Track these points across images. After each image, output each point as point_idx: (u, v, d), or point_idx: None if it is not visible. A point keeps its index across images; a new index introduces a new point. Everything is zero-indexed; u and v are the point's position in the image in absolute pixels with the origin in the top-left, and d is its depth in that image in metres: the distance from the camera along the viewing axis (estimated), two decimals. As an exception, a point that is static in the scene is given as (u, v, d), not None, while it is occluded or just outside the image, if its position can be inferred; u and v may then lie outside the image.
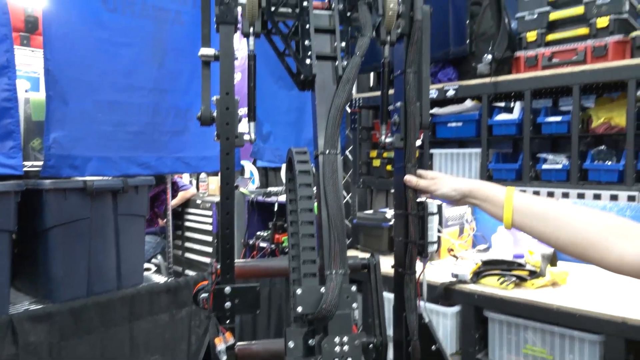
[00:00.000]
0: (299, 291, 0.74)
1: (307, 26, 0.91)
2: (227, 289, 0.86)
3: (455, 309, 2.07)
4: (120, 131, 2.03)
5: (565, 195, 2.06)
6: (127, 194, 2.05)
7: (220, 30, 0.88)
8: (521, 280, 1.99)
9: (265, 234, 3.23)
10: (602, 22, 1.96)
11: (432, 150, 2.55)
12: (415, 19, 0.97)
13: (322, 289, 0.75)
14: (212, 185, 4.32)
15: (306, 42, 0.90)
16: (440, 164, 2.53)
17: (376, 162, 2.86)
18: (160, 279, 2.31)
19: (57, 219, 1.81)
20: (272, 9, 0.92)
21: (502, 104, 2.55)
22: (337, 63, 0.91)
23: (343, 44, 0.93)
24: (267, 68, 2.61)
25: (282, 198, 3.15)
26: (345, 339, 0.74)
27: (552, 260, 2.08)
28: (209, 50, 0.90)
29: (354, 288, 0.76)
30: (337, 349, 0.73)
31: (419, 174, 1.00)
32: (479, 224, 2.79)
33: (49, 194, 1.78)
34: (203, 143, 2.32)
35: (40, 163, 1.85)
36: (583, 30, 2.03)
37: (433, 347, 0.94)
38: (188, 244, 3.85)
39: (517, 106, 2.24)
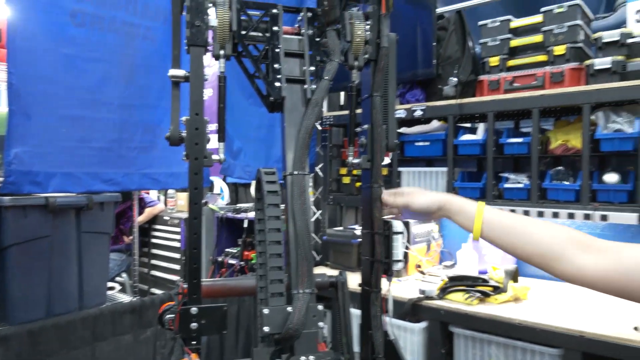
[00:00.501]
0: (265, 311, 0.74)
1: (277, 50, 0.93)
2: (194, 310, 0.86)
3: (422, 324, 2.10)
4: (85, 147, 1.98)
5: (526, 213, 2.14)
6: (91, 210, 2.01)
7: (190, 52, 0.89)
8: (485, 295, 2.05)
9: (235, 250, 3.21)
10: (559, 50, 2.07)
11: (401, 169, 2.60)
12: (381, 46, 1.01)
13: (289, 309, 0.75)
14: (181, 201, 4.26)
15: (276, 66, 0.92)
16: (408, 181, 2.59)
17: (346, 179, 2.90)
18: (125, 298, 2.25)
19: (16, 237, 1.75)
20: (243, 32, 0.94)
21: (468, 125, 2.64)
22: (306, 86, 0.93)
23: (312, 68, 0.95)
24: (238, 84, 2.61)
25: (252, 214, 3.13)
26: (311, 358, 0.75)
27: (514, 275, 2.15)
28: (179, 72, 0.90)
29: (320, 307, 0.77)
30: (304, 368, 0.74)
31: (394, 192, 1.03)
32: (446, 240, 2.85)
33: (8, 211, 1.72)
34: (172, 159, 2.30)
35: (0, 179, 1.79)
36: (542, 57, 2.14)
37: (399, 365, 0.96)
38: (155, 261, 3.77)
39: (481, 127, 2.33)
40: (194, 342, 0.85)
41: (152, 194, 4.39)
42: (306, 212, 0.81)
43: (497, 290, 2.07)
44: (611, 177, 1.94)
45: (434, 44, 2.38)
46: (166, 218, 3.64)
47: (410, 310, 2.09)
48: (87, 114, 2.00)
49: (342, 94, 3.16)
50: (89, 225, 2.02)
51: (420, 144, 2.52)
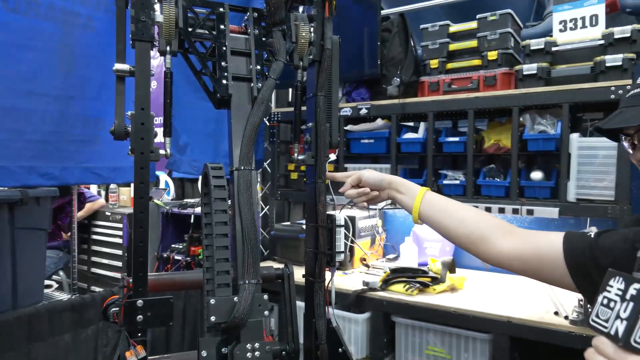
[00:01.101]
0: (212, 301, 0.77)
1: (224, 48, 0.95)
2: (140, 302, 0.86)
3: (366, 315, 2.18)
4: (19, 139, 1.89)
5: (462, 208, 2.27)
6: (26, 206, 1.92)
7: (136, 47, 0.89)
8: (424, 286, 2.16)
9: (181, 246, 3.16)
10: (492, 55, 2.22)
11: (347, 165, 2.68)
12: (325, 48, 1.05)
13: (236, 299, 0.79)
14: (123, 196, 4.13)
15: (223, 63, 0.94)
16: (353, 178, 2.66)
17: (294, 175, 2.94)
18: (63, 296, 2.17)
19: (-58, 234, 1.64)
20: (190, 29, 0.95)
21: (411, 124, 2.76)
22: (252, 84, 0.96)
23: (258, 66, 0.98)
24: (184, 78, 2.58)
25: (199, 210, 3.10)
26: (256, 345, 0.78)
27: (451, 267, 2.28)
28: (124, 66, 0.90)
29: (265, 297, 0.81)
30: (249, 355, 0.77)
31: (347, 174, 1.11)
32: (389, 234, 2.97)
33: None
34: (115, 153, 2.23)
35: None
36: (477, 62, 2.28)
37: (340, 350, 1.01)
38: (95, 259, 3.62)
39: (422, 126, 2.44)
40: (140, 335, 0.86)
41: (93, 189, 4.22)
42: (253, 206, 0.84)
43: (436, 281, 2.19)
44: (536, 175, 2.11)
45: (379, 44, 2.47)
46: (107, 214, 3.51)
47: (355, 302, 2.17)
48: (20, 104, 1.90)
49: (291, 90, 3.19)
50: (23, 221, 1.93)
51: (366, 141, 2.61)
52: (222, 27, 0.97)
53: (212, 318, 0.76)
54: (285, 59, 0.97)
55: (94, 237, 3.63)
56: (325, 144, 1.03)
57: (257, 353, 0.77)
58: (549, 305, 1.93)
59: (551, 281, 0.93)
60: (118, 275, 3.41)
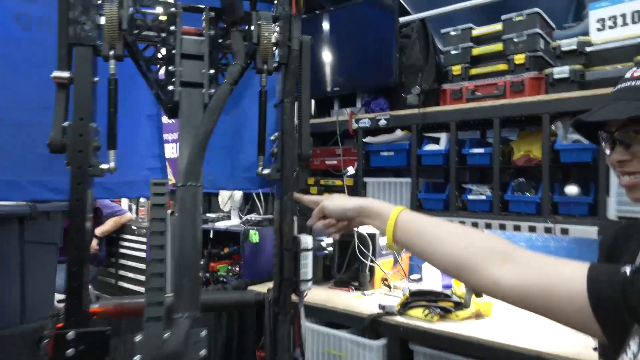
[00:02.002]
0: (138, 337, 0.67)
1: (174, 51, 0.87)
2: (71, 334, 0.78)
3: (382, 341, 2.02)
4: (29, 153, 1.90)
5: (488, 226, 2.08)
6: (36, 220, 1.92)
7: (75, 52, 0.83)
8: (446, 311, 1.98)
9: (202, 262, 3.12)
10: (519, 58, 2.03)
11: (366, 179, 2.54)
12: (292, 49, 0.95)
13: (167, 335, 0.68)
14: (153, 210, 4.17)
15: (170, 68, 0.86)
16: (373, 192, 2.52)
17: (313, 190, 2.83)
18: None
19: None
20: (135, 32, 0.88)
21: (436, 135, 2.59)
22: (203, 90, 0.87)
23: (212, 71, 0.89)
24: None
25: (218, 224, 3.06)
26: (188, 391, 0.67)
27: (477, 291, 2.08)
28: (64, 73, 0.84)
29: (204, 333, 0.70)
30: (179, 402, 0.66)
31: (306, 200, 0.96)
32: (415, 253, 2.78)
33: (-60, 221, 1.63)
34: (126, 167, 2.21)
35: None
36: (502, 66, 2.10)
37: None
38: (122, 272, 3.67)
39: (444, 137, 2.27)
40: (72, 371, 0.78)
41: (124, 203, 4.30)
42: (196, 227, 0.74)
43: (459, 306, 2.00)
44: (571, 189, 1.89)
45: (397, 52, 2.34)
46: (134, 228, 3.55)
47: (369, 326, 2.02)
48: (31, 118, 1.92)
49: (313, 102, 3.11)
50: (33, 236, 1.93)
51: (385, 154, 2.46)
52: (173, 28, 0.89)
53: (137, 358, 0.66)
54: (244, 62, 0.87)
55: (122, 250, 3.68)
56: (292, 156, 0.92)
57: (187, 398, 0.66)
58: (585, 337, 1.69)
59: (570, 324, 0.71)
60: (143, 289, 3.42)
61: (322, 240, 2.74)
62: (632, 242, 0.86)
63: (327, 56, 2.64)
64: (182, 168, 0.78)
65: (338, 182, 2.65)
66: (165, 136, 3.49)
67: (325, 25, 2.63)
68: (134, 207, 4.42)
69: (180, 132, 0.82)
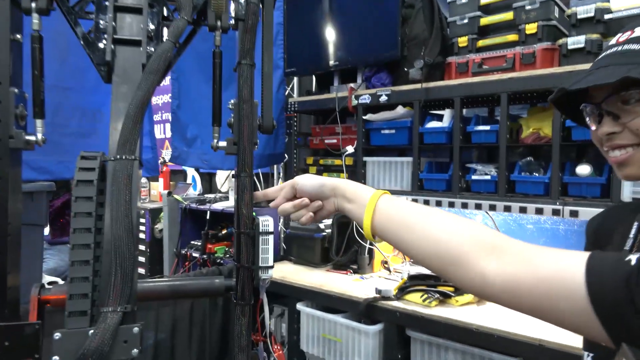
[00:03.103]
0: (57, 335, 0.58)
1: (106, 3, 0.75)
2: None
3: (378, 327, 1.94)
4: (10, 131, 1.83)
5: (493, 207, 1.96)
6: (19, 200, 1.85)
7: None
8: (445, 296, 1.88)
9: (199, 243, 3.06)
10: (531, 28, 1.88)
11: (366, 158, 2.43)
12: (249, 2, 0.82)
13: (91, 332, 0.59)
14: (154, 191, 4.11)
15: (101, 22, 0.75)
16: (373, 172, 2.41)
17: (312, 170, 2.73)
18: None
19: None
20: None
21: (440, 112, 2.45)
22: (141, 49, 0.75)
23: (152, 26, 0.78)
24: (195, 63, 2.44)
25: (216, 205, 2.98)
26: (120, 396, 0.58)
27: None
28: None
29: (136, 329, 0.61)
30: (108, 409, 0.58)
31: (272, 191, 0.84)
32: (418, 235, 2.68)
33: None
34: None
35: None
36: (513, 37, 1.95)
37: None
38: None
39: (447, 113, 2.14)
40: (-1, 367, 0.70)
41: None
42: (131, 208, 0.64)
43: (459, 291, 1.90)
44: (583, 169, 1.76)
45: (399, 23, 2.19)
46: (133, 208, 3.48)
47: (365, 311, 1.94)
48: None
49: (314, 77, 2.98)
50: (16, 216, 1.87)
51: (386, 132, 2.34)
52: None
53: (55, 358, 0.57)
54: (190, 17, 0.76)
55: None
56: (251, 127, 0.81)
57: (119, 406, 0.57)
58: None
59: (570, 326, 0.59)
60: (142, 271, 3.38)
61: (321, 222, 2.65)
62: (622, 224, 0.79)
63: (326, 29, 2.50)
64: (113, 139, 0.68)
65: (337, 162, 2.55)
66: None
67: (325, -4, 2.49)
68: (134, 187, 4.36)
69: (113, 98, 0.72)
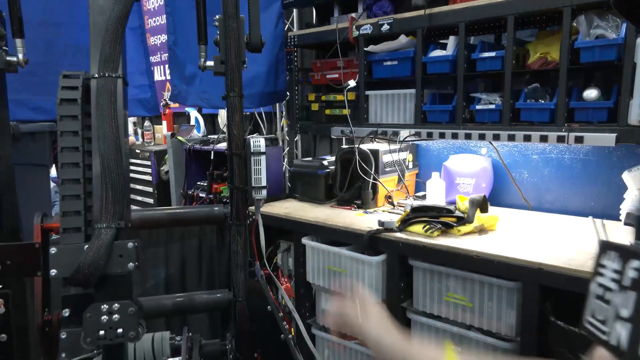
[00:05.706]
0: (53, 250, 0.59)
1: None
2: (-12, 248, 0.72)
3: (381, 257, 1.98)
4: (2, 71, 1.80)
5: (497, 137, 1.93)
6: (20, 142, 1.86)
7: None
8: (447, 227, 1.90)
9: (205, 183, 3.09)
10: (542, -58, 1.75)
11: (368, 92, 2.37)
12: None
13: (86, 247, 0.60)
14: (158, 134, 4.11)
15: None
16: (376, 106, 2.37)
17: (314, 106, 2.69)
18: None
19: None
20: None
21: (443, 41, 2.36)
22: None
23: None
24: (190, 2, 2.35)
25: (219, 146, 2.98)
26: (115, 306, 0.60)
27: (481, 205, 1.99)
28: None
29: (131, 244, 0.62)
30: (104, 318, 0.60)
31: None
32: (422, 170, 2.68)
33: None
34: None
35: None
36: (522, -48, 1.82)
37: (269, 308, 0.83)
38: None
39: (452, 41, 2.06)
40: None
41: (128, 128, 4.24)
42: (117, 126, 0.63)
43: (461, 221, 1.92)
44: (591, 93, 1.70)
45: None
46: (138, 151, 3.51)
47: (368, 243, 1.97)
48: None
49: (314, 9, 2.86)
50: (19, 158, 1.87)
51: (389, 63, 2.27)
52: None
53: (53, 272, 0.58)
54: None
55: (129, 174, 3.67)
56: (238, 44, 0.77)
57: (115, 316, 0.59)
58: (588, 251, 1.60)
59: None
60: (151, 211, 3.45)
61: (325, 159, 2.65)
62: None
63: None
64: (94, 56, 0.66)
65: (340, 97, 2.49)
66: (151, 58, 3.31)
67: None
68: (139, 131, 4.36)
69: (91, 12, 0.68)
